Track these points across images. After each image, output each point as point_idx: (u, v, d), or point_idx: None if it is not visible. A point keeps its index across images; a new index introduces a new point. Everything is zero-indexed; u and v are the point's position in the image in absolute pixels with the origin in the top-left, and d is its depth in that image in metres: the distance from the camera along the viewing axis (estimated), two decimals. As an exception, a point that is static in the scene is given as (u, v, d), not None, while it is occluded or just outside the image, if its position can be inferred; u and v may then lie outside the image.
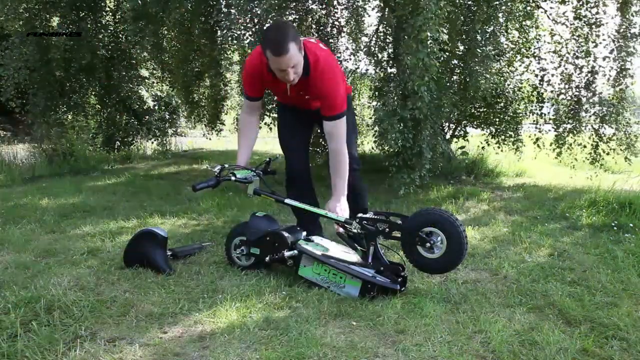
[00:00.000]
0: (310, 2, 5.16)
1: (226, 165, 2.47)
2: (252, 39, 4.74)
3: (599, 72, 5.36)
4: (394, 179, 4.20)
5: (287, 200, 2.50)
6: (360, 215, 2.32)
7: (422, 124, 4.06)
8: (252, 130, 2.63)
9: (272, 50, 2.17)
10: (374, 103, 5.19)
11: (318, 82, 2.36)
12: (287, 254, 2.37)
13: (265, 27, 4.06)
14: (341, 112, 2.40)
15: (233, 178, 2.43)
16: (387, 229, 2.25)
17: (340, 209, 2.39)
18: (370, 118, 5.54)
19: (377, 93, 4.99)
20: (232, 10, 4.29)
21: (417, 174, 4.08)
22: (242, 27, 4.76)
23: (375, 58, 4.92)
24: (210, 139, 8.47)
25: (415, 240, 2.16)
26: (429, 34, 3.59)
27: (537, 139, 5.87)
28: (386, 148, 4.38)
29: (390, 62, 4.85)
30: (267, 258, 2.43)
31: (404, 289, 2.25)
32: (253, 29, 4.70)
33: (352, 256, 2.37)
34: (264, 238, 2.46)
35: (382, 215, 2.32)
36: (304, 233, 2.54)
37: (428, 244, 2.14)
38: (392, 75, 4.63)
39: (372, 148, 6.47)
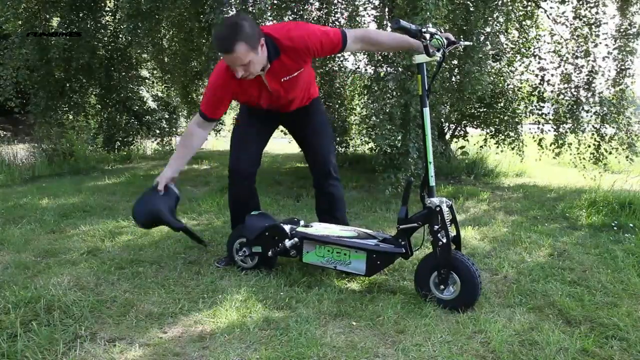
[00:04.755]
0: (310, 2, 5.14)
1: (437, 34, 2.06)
2: None
3: (599, 72, 5.37)
4: (380, 178, 4.19)
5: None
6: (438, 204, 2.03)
7: (411, 124, 4.05)
8: (198, 143, 2.46)
9: (216, 47, 2.03)
10: (365, 100, 5.18)
11: (294, 43, 2.09)
12: (287, 243, 2.37)
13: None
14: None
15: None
16: (434, 236, 2.03)
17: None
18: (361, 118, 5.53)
19: (366, 91, 4.97)
20: (224, 9, 4.26)
21: (402, 174, 4.07)
22: None
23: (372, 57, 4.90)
24: (206, 139, 8.45)
25: (434, 273, 2.07)
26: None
27: (540, 140, 5.87)
28: (373, 145, 4.35)
29: (383, 60, 4.81)
30: (270, 252, 2.43)
31: (412, 255, 2.22)
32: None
33: (350, 233, 2.36)
34: (264, 234, 2.46)
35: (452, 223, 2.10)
36: (302, 222, 2.54)
37: (442, 286, 2.06)
38: (387, 74, 4.61)
39: (370, 148, 6.46)
